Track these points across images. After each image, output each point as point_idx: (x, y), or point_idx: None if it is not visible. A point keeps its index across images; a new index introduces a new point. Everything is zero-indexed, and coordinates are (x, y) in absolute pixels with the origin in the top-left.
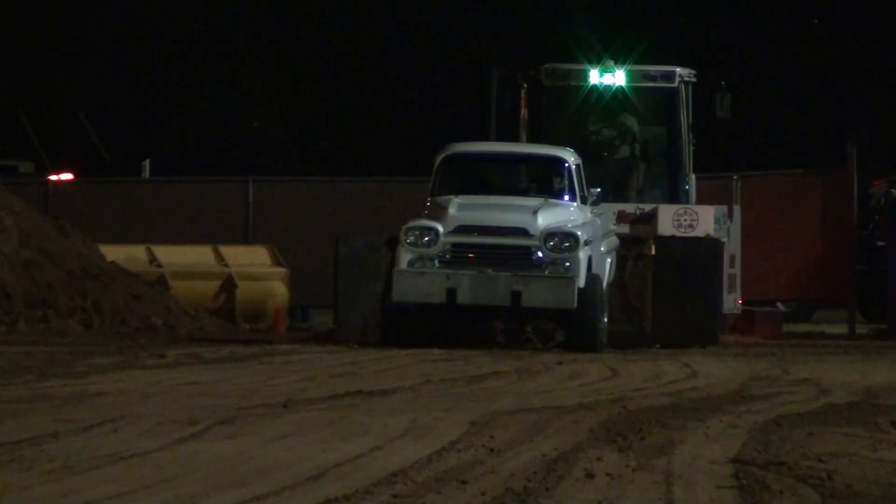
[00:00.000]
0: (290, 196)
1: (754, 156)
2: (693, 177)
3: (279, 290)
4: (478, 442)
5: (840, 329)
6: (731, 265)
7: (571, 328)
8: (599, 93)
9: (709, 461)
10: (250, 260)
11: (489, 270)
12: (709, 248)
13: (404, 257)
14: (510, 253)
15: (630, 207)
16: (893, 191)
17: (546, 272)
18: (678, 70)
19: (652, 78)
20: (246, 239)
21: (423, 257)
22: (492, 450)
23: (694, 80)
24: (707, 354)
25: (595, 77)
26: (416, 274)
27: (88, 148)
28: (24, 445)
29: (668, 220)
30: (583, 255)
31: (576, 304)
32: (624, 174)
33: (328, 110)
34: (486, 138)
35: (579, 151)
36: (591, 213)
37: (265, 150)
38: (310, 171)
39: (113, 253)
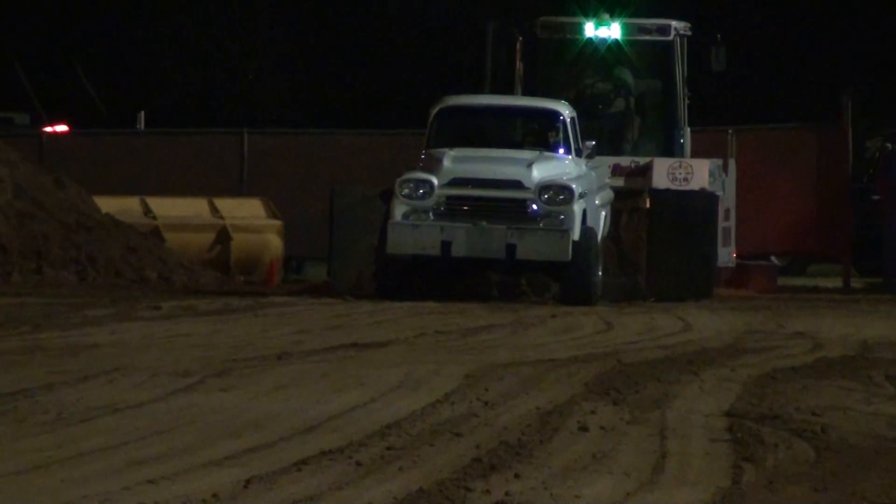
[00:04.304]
0: (285, 148)
1: (749, 109)
2: (688, 130)
3: (274, 243)
4: (472, 394)
5: (834, 283)
6: (726, 219)
7: (566, 281)
8: (594, 46)
9: (703, 414)
10: (245, 212)
11: (484, 223)
12: (703, 202)
13: (399, 210)
14: (505, 206)
15: (625, 161)
16: (888, 145)
17: (541, 225)
18: (673, 23)
19: (647, 31)
20: (240, 191)
21: (418, 210)
22: (486, 402)
23: (689, 33)
24: (701, 308)
25: (590, 30)
26: (410, 226)
27: (84, 100)
28: (18, 397)
29: (663, 173)
30: (577, 207)
31: (570, 257)
32: (619, 127)
33: (324, 63)
34: (481, 91)
35: (574, 105)
36: (586, 166)
37: (261, 102)
38: (305, 123)
39: (107, 205)
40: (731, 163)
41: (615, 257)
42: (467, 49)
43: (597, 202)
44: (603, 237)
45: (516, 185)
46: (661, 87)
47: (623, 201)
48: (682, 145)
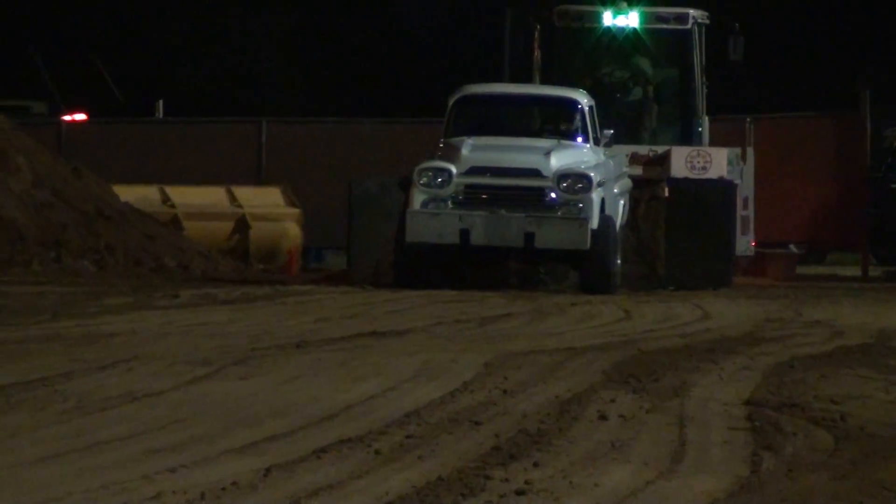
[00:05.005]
0: (304, 137)
1: (767, 98)
2: (706, 119)
3: (292, 231)
4: (491, 383)
5: (853, 271)
6: (745, 207)
7: (584, 270)
8: (612, 34)
9: (722, 403)
10: (263, 201)
11: (502, 211)
12: (722, 191)
13: (418, 198)
14: (523, 194)
15: (643, 149)
16: None
17: (559, 213)
18: (691, 12)
19: (665, 20)
20: (259, 180)
21: (437, 198)
22: (505, 391)
23: (707, 22)
24: (720, 296)
25: (608, 19)
26: (429, 215)
27: (102, 88)
28: (37, 385)
29: (682, 162)
30: (596, 196)
31: (589, 246)
32: (637, 116)
33: (344, 51)
34: (499, 80)
35: (592, 93)
36: (604, 154)
37: (279, 90)
38: (324, 111)
39: (126, 193)
40: (750, 151)
41: (633, 246)
42: (486, 38)
43: (615, 191)
44: (621, 226)
45: (534, 173)
46: (679, 76)
47: (641, 190)
48: (700, 134)
